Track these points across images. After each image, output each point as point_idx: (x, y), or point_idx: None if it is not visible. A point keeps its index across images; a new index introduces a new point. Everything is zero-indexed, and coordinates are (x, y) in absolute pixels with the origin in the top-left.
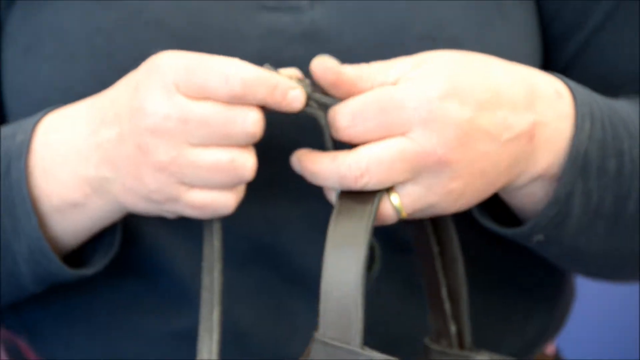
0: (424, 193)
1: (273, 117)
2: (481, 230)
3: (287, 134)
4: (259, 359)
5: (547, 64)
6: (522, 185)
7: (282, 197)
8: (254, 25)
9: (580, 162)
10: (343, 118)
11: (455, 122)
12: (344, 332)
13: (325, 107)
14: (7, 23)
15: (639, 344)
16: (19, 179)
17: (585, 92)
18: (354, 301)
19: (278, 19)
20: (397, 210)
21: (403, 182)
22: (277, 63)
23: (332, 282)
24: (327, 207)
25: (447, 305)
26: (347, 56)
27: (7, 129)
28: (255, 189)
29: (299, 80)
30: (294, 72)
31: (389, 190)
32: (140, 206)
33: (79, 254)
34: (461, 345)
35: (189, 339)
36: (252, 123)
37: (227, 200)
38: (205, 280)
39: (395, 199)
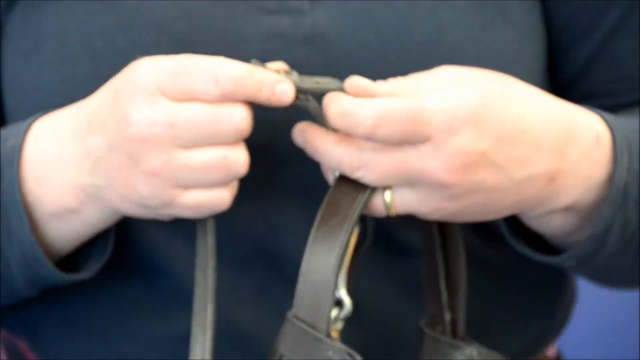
0: (416, 202)
1: (273, 118)
2: (482, 230)
3: (287, 135)
4: None
5: (560, 68)
6: (536, 216)
7: (282, 199)
8: (254, 28)
9: (621, 196)
10: (368, 116)
11: (465, 151)
12: (314, 316)
13: (316, 97)
14: (8, 25)
15: None
16: (11, 183)
17: (622, 124)
18: (327, 285)
19: (279, 22)
20: (387, 207)
21: (399, 186)
22: None
23: (311, 262)
24: None
25: (445, 295)
26: (348, 59)
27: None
28: (255, 191)
29: (286, 73)
30: (280, 65)
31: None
32: (136, 212)
33: (72, 258)
34: (454, 334)
35: (189, 340)
36: (241, 120)
37: (222, 197)
38: (199, 277)
39: (387, 196)
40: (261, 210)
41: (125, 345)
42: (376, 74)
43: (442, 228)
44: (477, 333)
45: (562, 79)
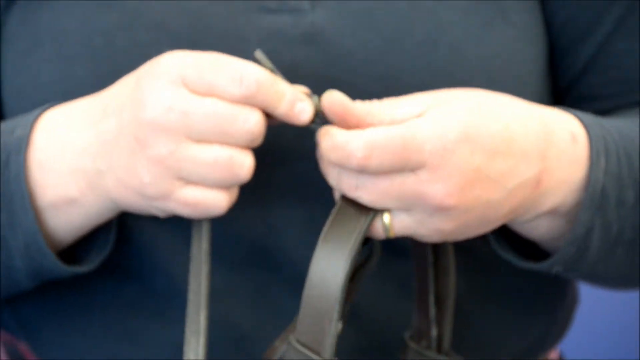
0: (414, 224)
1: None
2: (483, 236)
3: (286, 138)
4: None
5: (560, 70)
6: (524, 221)
7: (281, 201)
8: (254, 27)
9: (598, 199)
10: (359, 147)
11: (461, 170)
12: (318, 342)
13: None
14: (7, 24)
15: None
16: (18, 173)
17: (599, 126)
18: (330, 312)
19: (279, 21)
20: (385, 230)
21: (398, 209)
22: (277, 65)
23: (314, 285)
24: (326, 211)
25: (433, 311)
26: (348, 59)
27: (4, 125)
28: (254, 193)
29: (308, 96)
30: (303, 89)
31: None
32: (132, 201)
33: (75, 252)
34: (439, 349)
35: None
36: (255, 123)
37: (220, 200)
38: (192, 283)
39: (387, 218)
40: (260, 210)
41: (122, 346)
42: (376, 74)
43: (435, 246)
44: (478, 336)
45: (561, 81)
